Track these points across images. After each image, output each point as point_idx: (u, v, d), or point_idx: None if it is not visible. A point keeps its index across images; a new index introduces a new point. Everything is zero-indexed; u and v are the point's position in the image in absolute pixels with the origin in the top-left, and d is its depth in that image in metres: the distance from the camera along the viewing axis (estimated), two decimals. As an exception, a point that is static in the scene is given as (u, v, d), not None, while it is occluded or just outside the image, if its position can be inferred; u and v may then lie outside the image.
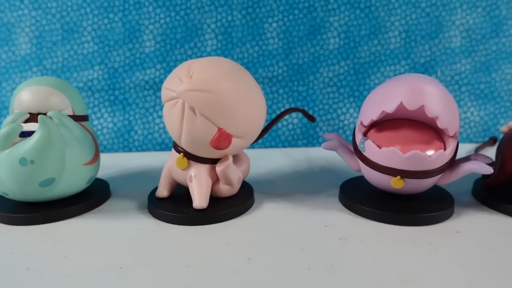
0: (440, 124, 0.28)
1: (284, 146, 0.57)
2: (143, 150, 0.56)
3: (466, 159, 0.32)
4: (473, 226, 0.30)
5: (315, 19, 0.55)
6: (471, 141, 0.58)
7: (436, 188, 0.35)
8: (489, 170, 0.29)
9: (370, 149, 0.30)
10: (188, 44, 0.55)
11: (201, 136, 0.30)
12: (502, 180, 0.34)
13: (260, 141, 0.57)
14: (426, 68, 0.56)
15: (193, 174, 0.32)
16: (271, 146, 0.57)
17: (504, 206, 0.32)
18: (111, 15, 0.54)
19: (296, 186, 0.40)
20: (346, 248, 0.27)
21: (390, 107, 0.29)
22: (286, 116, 0.57)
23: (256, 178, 0.42)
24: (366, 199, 0.33)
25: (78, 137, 0.33)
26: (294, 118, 0.57)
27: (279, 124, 0.57)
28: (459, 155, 0.33)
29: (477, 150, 0.50)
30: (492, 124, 0.57)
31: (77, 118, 0.35)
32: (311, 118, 0.42)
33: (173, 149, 0.34)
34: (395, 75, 0.56)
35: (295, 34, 0.55)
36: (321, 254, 0.26)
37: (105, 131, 0.56)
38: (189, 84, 0.28)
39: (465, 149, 0.54)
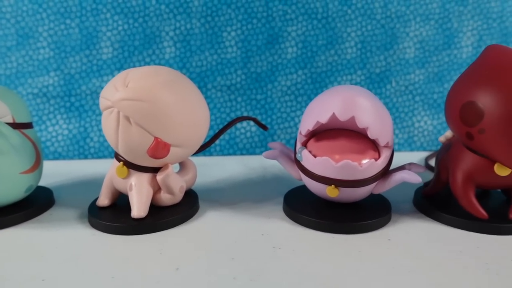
0: (370, 134, 0.29)
1: (242, 154, 0.57)
2: (99, 157, 0.56)
3: (401, 168, 0.33)
4: (405, 233, 0.31)
5: (273, 28, 0.56)
6: (424, 150, 0.59)
7: (377, 197, 0.36)
8: (418, 180, 0.30)
9: (306, 158, 0.31)
10: (147, 51, 0.55)
11: (137, 145, 0.30)
12: (438, 189, 0.35)
13: (218, 148, 0.57)
14: (381, 78, 0.58)
15: (133, 183, 0.32)
16: (229, 154, 0.57)
17: (437, 214, 0.33)
18: (67, 21, 0.53)
19: (244, 194, 0.40)
20: (277, 256, 0.27)
21: (323, 118, 0.30)
22: (244, 124, 0.57)
23: (206, 186, 0.42)
24: (306, 207, 0.33)
25: (16, 145, 0.32)
26: (252, 126, 0.57)
27: (237, 132, 0.57)
28: (403, 162, 0.34)
29: (427, 159, 0.52)
30: (444, 133, 0.59)
31: (18, 125, 0.35)
32: (263, 127, 0.43)
33: (114, 158, 0.33)
34: (351, 84, 0.58)
35: (254, 43, 0.56)
36: (250, 263, 0.26)
37: (60, 138, 0.55)
38: (123, 93, 0.28)
39: (418, 157, 0.55)
